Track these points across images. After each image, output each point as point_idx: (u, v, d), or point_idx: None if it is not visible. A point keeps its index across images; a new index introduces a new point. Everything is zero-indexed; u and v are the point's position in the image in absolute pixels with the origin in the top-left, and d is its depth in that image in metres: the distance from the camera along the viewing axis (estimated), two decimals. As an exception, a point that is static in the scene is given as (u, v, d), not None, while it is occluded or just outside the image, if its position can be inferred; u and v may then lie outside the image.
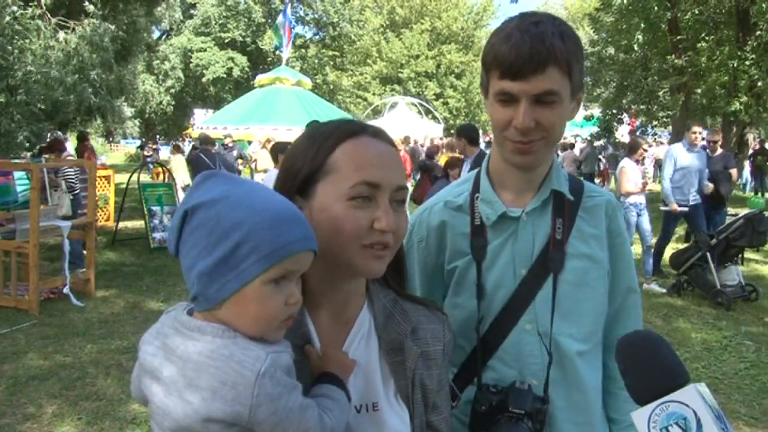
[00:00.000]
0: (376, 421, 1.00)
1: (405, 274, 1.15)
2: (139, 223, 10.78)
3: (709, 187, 7.62)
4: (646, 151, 7.76)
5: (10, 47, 8.55)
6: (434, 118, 27.92)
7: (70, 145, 15.95)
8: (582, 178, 1.46)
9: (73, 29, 9.82)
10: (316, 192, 0.97)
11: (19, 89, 8.94)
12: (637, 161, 7.39)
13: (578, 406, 1.30)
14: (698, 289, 6.91)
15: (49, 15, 9.59)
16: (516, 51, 1.12)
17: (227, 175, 0.90)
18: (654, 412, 0.77)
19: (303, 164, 0.99)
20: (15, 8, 8.63)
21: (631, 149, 7.54)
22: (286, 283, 0.85)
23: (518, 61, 1.12)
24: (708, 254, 6.63)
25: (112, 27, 9.90)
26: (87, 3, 9.68)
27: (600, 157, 18.38)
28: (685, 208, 7.45)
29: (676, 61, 11.88)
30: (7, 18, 8.54)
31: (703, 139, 8.40)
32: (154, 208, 9.46)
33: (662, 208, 7.74)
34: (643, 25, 13.23)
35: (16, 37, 8.73)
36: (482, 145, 19.73)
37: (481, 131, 33.59)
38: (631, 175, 7.08)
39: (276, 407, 0.81)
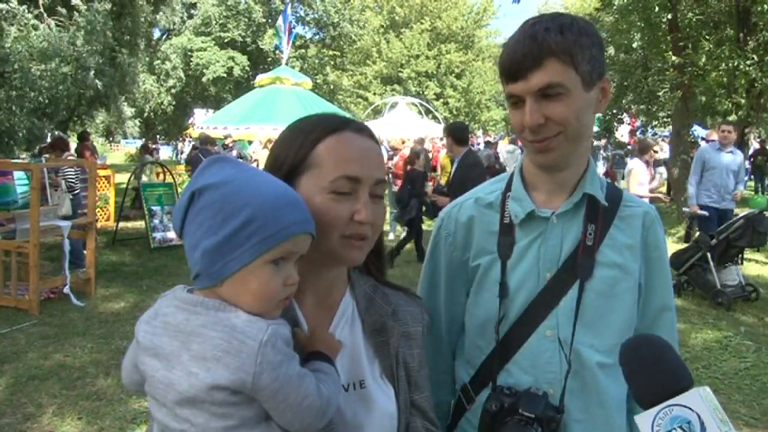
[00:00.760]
0: (364, 398, 1.04)
1: (384, 262, 1.21)
2: (139, 223, 10.78)
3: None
4: (656, 152, 7.65)
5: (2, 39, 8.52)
6: (434, 118, 27.89)
7: (73, 145, 15.98)
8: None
9: (67, 28, 9.81)
10: (300, 184, 1.01)
11: (15, 79, 8.90)
12: (647, 162, 7.31)
13: (597, 420, 1.25)
14: (698, 289, 6.91)
15: (45, 15, 9.58)
16: (512, 53, 1.15)
17: (233, 160, 0.95)
18: (658, 415, 0.76)
19: (287, 157, 1.03)
20: (11, 4, 8.59)
21: (642, 150, 7.43)
22: (285, 264, 0.90)
23: (514, 63, 1.15)
24: (708, 254, 6.62)
25: (104, 9, 9.84)
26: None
27: (602, 154, 18.35)
28: (705, 213, 7.37)
29: (674, 58, 11.85)
30: None
31: (702, 139, 8.37)
32: (154, 207, 9.45)
33: (684, 209, 7.69)
34: (642, 25, 13.21)
35: (12, 30, 8.69)
36: (481, 145, 19.65)
37: (481, 131, 33.47)
38: (640, 176, 7.03)
39: (277, 374, 0.84)
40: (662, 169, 10.60)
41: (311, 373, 0.91)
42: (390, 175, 10.74)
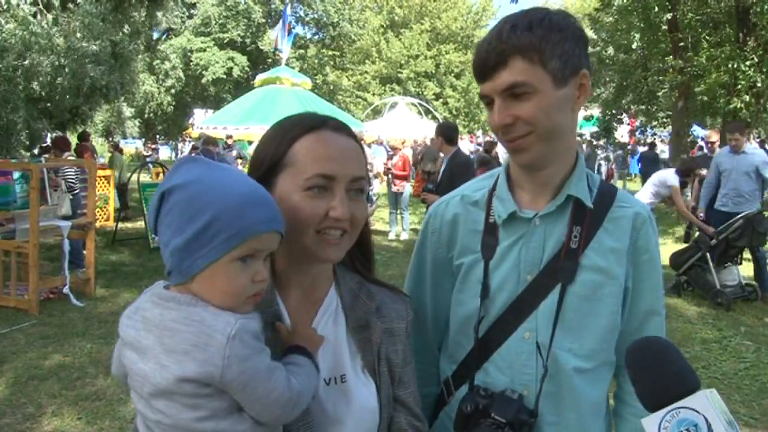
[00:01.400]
0: (344, 392, 1.06)
1: (372, 259, 1.22)
2: (139, 223, 10.77)
3: None
4: (697, 176, 7.47)
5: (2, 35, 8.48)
6: (434, 117, 27.91)
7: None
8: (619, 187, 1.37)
9: (68, 22, 9.79)
10: (278, 182, 1.04)
11: (2, 70, 8.83)
12: (684, 183, 7.09)
13: (570, 425, 1.24)
14: (698, 289, 6.90)
15: (44, 10, 9.54)
16: (478, 53, 1.15)
17: (204, 160, 0.97)
18: (664, 418, 0.76)
19: (266, 155, 1.06)
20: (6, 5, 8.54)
21: (684, 172, 7.06)
22: (252, 262, 0.92)
23: (480, 62, 1.15)
24: (708, 254, 6.60)
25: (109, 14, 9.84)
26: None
27: (601, 155, 18.33)
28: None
29: (674, 62, 11.84)
30: None
31: (701, 138, 8.31)
32: (153, 207, 9.42)
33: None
34: (642, 25, 13.21)
35: (10, 25, 8.64)
36: (481, 145, 19.73)
37: (480, 131, 33.55)
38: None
39: (245, 367, 0.87)
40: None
41: (282, 366, 0.93)
42: (390, 175, 10.75)
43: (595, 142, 19.44)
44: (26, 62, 8.85)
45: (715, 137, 8.98)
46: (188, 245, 0.89)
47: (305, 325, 1.06)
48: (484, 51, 1.13)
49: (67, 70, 9.41)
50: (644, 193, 7.31)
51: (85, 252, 7.02)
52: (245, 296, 0.93)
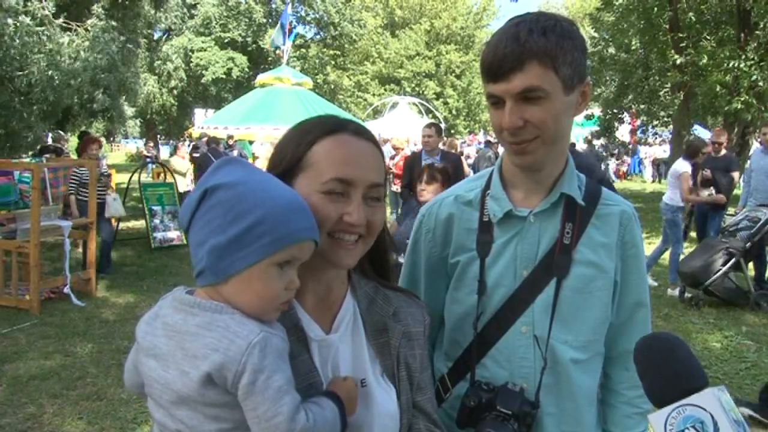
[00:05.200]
0: (364, 396, 1.04)
1: (388, 265, 1.21)
2: (139, 223, 10.77)
3: None
4: (704, 154, 7.28)
5: (15, 51, 8.49)
6: (435, 117, 27.91)
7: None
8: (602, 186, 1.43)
9: (76, 30, 9.79)
10: (295, 184, 1.02)
11: (25, 89, 8.84)
12: (694, 165, 6.86)
13: (568, 414, 1.29)
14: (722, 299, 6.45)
15: (51, 17, 9.53)
16: (493, 53, 1.15)
17: (244, 163, 0.96)
18: (671, 414, 0.76)
19: (285, 156, 1.05)
20: (21, 18, 8.55)
21: (691, 154, 6.87)
22: (288, 269, 0.91)
23: (495, 62, 1.15)
24: (741, 260, 6.27)
25: (114, 29, 9.87)
26: (95, 6, 9.65)
27: (604, 154, 18.26)
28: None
29: (676, 57, 11.81)
30: (12, 26, 8.47)
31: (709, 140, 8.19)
32: (154, 207, 9.45)
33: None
34: (643, 24, 13.20)
35: (26, 38, 8.65)
36: (482, 144, 19.64)
37: (482, 131, 33.56)
38: (690, 180, 6.76)
39: (255, 378, 0.83)
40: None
41: (297, 397, 0.88)
42: (390, 175, 10.73)
43: (594, 141, 19.41)
44: (34, 76, 8.84)
45: (721, 138, 8.87)
46: (230, 245, 0.87)
47: (353, 382, 1.01)
48: (501, 52, 1.14)
49: (77, 92, 9.43)
50: (670, 194, 7.08)
51: (82, 251, 7.02)
52: (277, 303, 0.91)
